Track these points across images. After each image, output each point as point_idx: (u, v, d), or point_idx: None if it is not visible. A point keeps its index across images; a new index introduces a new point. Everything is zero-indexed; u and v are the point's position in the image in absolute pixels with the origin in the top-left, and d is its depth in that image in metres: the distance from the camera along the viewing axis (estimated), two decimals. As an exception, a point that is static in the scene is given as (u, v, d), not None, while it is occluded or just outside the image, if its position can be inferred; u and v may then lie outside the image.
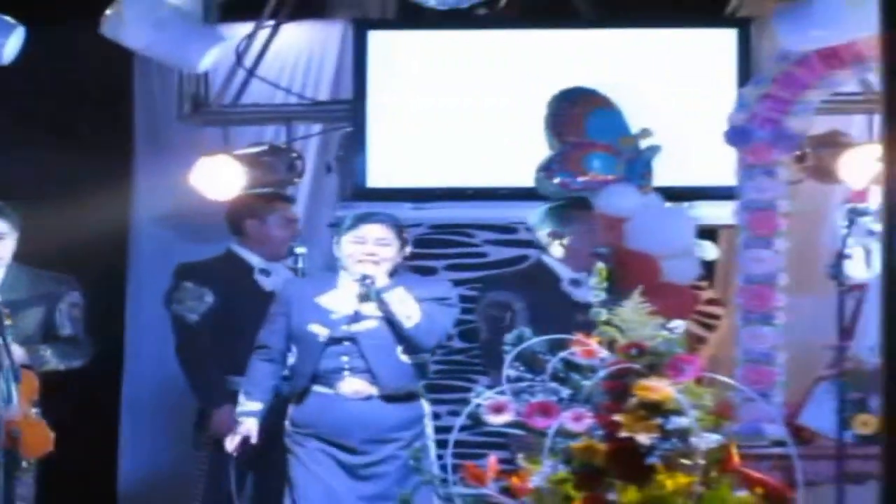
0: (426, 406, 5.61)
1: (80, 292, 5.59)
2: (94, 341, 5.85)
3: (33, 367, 5.35)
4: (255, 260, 5.91)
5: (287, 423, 5.48)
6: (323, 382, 5.38)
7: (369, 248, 5.31)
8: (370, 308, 5.37)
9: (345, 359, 5.35)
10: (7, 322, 5.10)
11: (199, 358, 5.76)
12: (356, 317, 5.38)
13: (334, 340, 5.36)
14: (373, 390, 5.37)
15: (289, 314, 5.46)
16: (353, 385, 5.35)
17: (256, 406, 5.36)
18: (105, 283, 6.83)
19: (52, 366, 5.45)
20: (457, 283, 6.44)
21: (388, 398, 5.39)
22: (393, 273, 5.38)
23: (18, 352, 5.23)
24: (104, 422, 7.03)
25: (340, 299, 5.37)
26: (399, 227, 5.50)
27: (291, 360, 5.54)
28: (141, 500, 6.93)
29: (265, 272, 5.91)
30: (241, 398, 5.43)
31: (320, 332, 5.32)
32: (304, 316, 5.38)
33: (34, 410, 5.19)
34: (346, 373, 5.37)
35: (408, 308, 5.37)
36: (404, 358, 5.43)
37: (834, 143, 6.40)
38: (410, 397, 5.53)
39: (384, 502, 5.41)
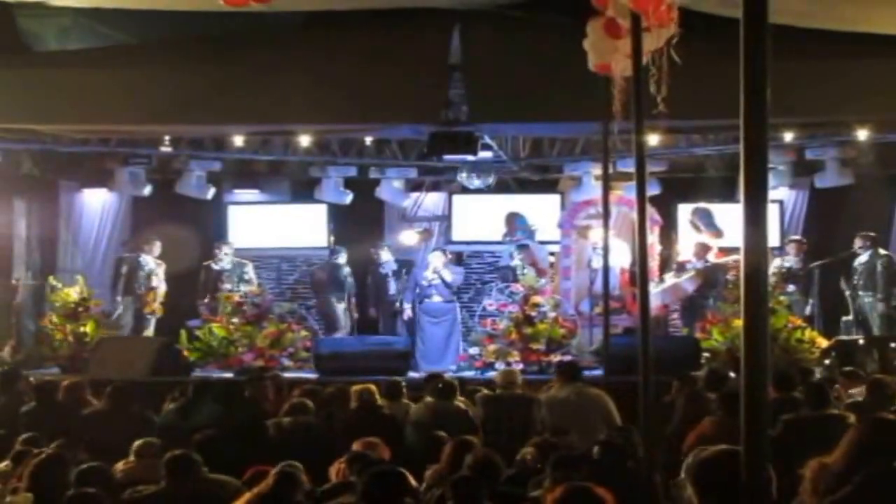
0: (457, 305, 13.91)
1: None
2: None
3: None
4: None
5: (418, 308, 13.78)
6: (426, 297, 13.71)
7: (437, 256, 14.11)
8: (437, 274, 13.69)
9: (433, 290, 13.66)
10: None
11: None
12: (434, 277, 13.69)
13: (429, 284, 13.69)
14: (441, 299, 13.72)
15: (415, 277, 13.85)
16: (435, 297, 13.65)
17: (408, 305, 13.94)
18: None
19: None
20: (481, 272, 15.76)
21: (446, 301, 13.71)
22: (447, 264, 14.06)
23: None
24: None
25: (430, 271, 13.71)
26: (443, 251, 14.11)
27: (417, 291, 13.79)
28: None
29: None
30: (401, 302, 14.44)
31: (425, 282, 13.68)
32: (419, 277, 13.77)
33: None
34: (433, 294, 13.66)
35: (448, 275, 13.65)
36: (447, 291, 13.66)
37: (587, 227, 13.94)
38: (451, 301, 13.89)
39: (441, 337, 13.62)
